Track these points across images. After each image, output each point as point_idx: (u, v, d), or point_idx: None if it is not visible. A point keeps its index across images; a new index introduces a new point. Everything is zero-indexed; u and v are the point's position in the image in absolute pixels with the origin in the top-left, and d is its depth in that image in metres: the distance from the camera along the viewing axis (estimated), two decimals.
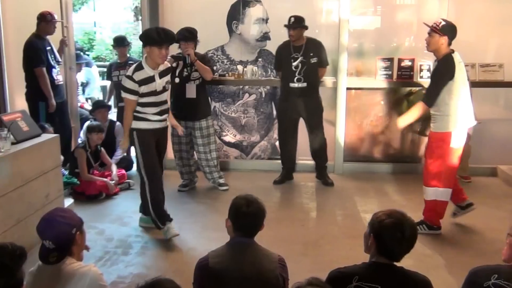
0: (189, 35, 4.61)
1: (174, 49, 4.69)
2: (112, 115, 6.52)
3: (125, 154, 5.69)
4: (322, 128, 5.14)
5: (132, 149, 5.10)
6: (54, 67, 5.10)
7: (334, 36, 5.42)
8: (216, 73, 5.35)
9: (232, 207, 2.24)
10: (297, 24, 4.81)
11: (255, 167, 5.73)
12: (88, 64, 7.50)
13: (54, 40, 5.25)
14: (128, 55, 5.98)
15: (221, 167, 5.18)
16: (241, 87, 5.73)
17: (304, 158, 5.45)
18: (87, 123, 5.28)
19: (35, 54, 4.91)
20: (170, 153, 4.99)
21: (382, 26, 5.69)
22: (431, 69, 3.88)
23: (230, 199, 2.30)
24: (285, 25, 4.86)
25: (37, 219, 2.21)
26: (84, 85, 7.31)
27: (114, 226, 4.17)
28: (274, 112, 5.68)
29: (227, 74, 5.59)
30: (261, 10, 5.60)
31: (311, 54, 4.90)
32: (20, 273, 1.81)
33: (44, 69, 4.93)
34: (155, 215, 3.85)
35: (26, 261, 1.85)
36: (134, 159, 5.51)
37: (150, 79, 3.65)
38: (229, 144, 5.87)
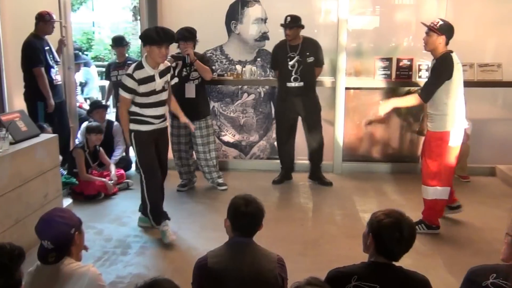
0: (188, 35, 4.60)
1: (174, 49, 4.69)
2: (111, 115, 6.52)
3: (124, 154, 5.69)
4: (320, 127, 5.14)
5: (131, 149, 5.10)
6: (53, 67, 5.09)
7: (332, 36, 5.42)
8: (215, 73, 5.35)
9: (231, 207, 2.24)
10: (293, 23, 4.81)
11: (254, 167, 5.73)
12: (86, 64, 7.50)
13: (52, 40, 5.24)
14: (126, 55, 5.98)
15: (220, 167, 5.18)
16: (240, 87, 5.73)
17: (302, 158, 5.45)
18: (84, 124, 5.27)
19: (34, 54, 4.90)
20: (169, 153, 4.98)
21: (381, 26, 5.70)
22: (429, 68, 3.88)
23: (229, 199, 2.30)
24: (281, 24, 4.86)
25: (35, 219, 2.21)
26: (83, 85, 7.31)
27: (113, 226, 4.17)
28: (273, 112, 5.68)
29: (226, 74, 5.59)
30: (259, 10, 5.60)
31: (308, 53, 4.90)
32: (18, 273, 1.81)
33: (43, 69, 4.93)
34: (151, 214, 3.86)
35: (25, 261, 1.84)
36: (133, 160, 5.55)
37: (150, 79, 3.65)
38: (228, 144, 5.87)
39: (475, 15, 5.45)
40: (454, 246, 3.78)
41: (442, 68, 3.70)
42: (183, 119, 4.07)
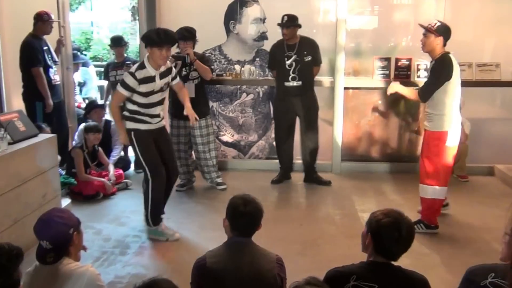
0: (188, 35, 4.61)
1: (173, 48, 4.68)
2: (109, 114, 6.50)
3: (122, 154, 5.68)
4: (317, 127, 5.14)
5: (130, 149, 5.10)
6: (51, 67, 5.09)
7: (331, 35, 5.42)
8: (213, 73, 5.35)
9: (230, 206, 2.24)
10: (290, 22, 4.81)
11: (253, 166, 5.73)
12: (85, 64, 7.50)
13: (51, 40, 5.24)
14: (125, 55, 5.98)
15: (219, 167, 5.18)
16: (238, 86, 5.72)
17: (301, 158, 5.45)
18: (82, 125, 5.26)
19: (32, 54, 4.90)
20: None
21: (379, 26, 5.70)
22: (428, 69, 3.90)
23: (228, 199, 2.30)
24: (279, 24, 4.86)
25: (34, 219, 2.20)
26: (81, 85, 7.30)
27: (111, 226, 4.17)
28: (272, 112, 5.68)
29: (224, 74, 5.59)
30: (258, 10, 5.60)
31: (305, 52, 4.90)
32: (17, 273, 1.81)
33: (41, 69, 4.92)
34: (151, 214, 3.85)
35: (24, 261, 1.84)
36: (132, 159, 5.54)
37: (151, 79, 3.65)
38: (227, 143, 5.87)
39: (473, 15, 5.46)
40: (452, 245, 3.78)
41: (442, 69, 3.72)
42: (187, 110, 3.96)
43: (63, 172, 4.94)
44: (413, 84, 5.28)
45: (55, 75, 5.18)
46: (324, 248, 3.73)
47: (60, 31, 5.52)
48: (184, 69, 4.72)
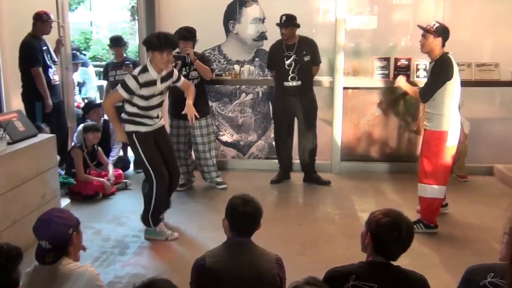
0: (188, 35, 4.61)
1: None
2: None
3: (121, 154, 5.68)
4: (315, 127, 5.13)
5: (129, 149, 5.09)
6: (50, 67, 5.09)
7: (330, 35, 5.42)
8: (213, 73, 5.35)
9: (229, 206, 2.24)
10: (288, 22, 4.81)
11: (252, 166, 5.73)
12: (84, 64, 7.49)
13: (50, 39, 5.24)
14: (124, 55, 5.97)
15: (219, 167, 5.18)
16: (238, 86, 5.72)
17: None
18: (81, 126, 5.26)
19: (31, 54, 4.89)
20: None
21: (379, 26, 5.70)
22: (428, 70, 3.91)
23: (228, 199, 2.29)
24: (277, 24, 4.86)
25: (33, 219, 2.20)
26: (81, 85, 7.29)
27: (111, 226, 4.16)
28: (271, 112, 5.68)
29: (224, 74, 5.59)
30: (257, 10, 5.60)
31: (304, 52, 4.90)
32: (16, 273, 1.81)
33: (40, 69, 4.92)
34: (152, 215, 3.84)
35: (23, 261, 1.84)
36: (131, 159, 5.54)
37: (152, 83, 3.64)
38: (226, 143, 5.87)
39: (472, 14, 5.46)
40: (452, 245, 3.78)
41: (442, 69, 3.74)
42: (187, 108, 3.92)
43: (63, 172, 4.94)
44: (412, 84, 5.30)
45: (55, 75, 5.17)
46: (323, 248, 3.73)
47: (59, 31, 5.52)
48: (184, 69, 4.72)
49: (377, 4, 5.69)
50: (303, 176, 5.27)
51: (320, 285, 1.68)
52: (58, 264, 2.10)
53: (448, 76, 3.72)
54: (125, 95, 3.62)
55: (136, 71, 3.68)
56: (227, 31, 5.66)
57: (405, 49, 5.49)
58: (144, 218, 3.89)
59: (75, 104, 6.19)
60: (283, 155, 5.28)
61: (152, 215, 3.84)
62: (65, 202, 4.29)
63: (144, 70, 3.63)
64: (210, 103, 5.62)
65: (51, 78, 5.09)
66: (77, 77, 6.90)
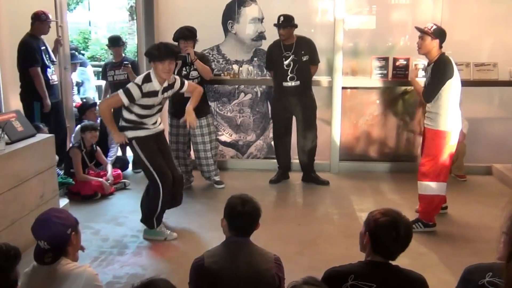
0: (189, 34, 4.61)
1: None
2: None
3: (120, 154, 5.68)
4: (315, 126, 5.14)
5: (128, 149, 5.08)
6: (49, 67, 5.08)
7: (329, 35, 5.43)
8: (213, 73, 5.35)
9: (227, 206, 2.24)
10: (286, 23, 4.80)
11: (251, 166, 5.73)
12: (83, 64, 7.48)
13: (48, 39, 5.23)
14: (123, 54, 5.96)
15: (217, 167, 5.17)
16: (236, 86, 5.72)
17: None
18: (78, 126, 5.25)
19: (30, 54, 4.89)
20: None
21: (377, 26, 5.70)
22: (427, 71, 3.93)
23: (227, 199, 2.29)
24: (275, 24, 4.85)
25: (32, 219, 2.20)
26: (79, 85, 7.28)
27: (109, 226, 4.16)
28: (270, 112, 5.67)
29: (222, 74, 5.58)
30: (256, 10, 5.60)
31: (302, 52, 4.90)
32: (14, 273, 1.81)
33: (39, 69, 4.92)
34: (157, 218, 3.83)
35: (21, 261, 1.84)
36: (130, 159, 5.54)
37: (154, 93, 3.64)
38: (225, 143, 5.87)
39: (470, 14, 5.46)
40: (451, 245, 3.79)
41: (443, 69, 3.77)
42: (187, 114, 3.92)
43: (61, 172, 4.94)
44: (410, 84, 5.30)
45: (53, 75, 5.17)
46: (322, 248, 3.73)
47: (58, 31, 5.51)
48: (184, 69, 4.72)
49: (376, 4, 5.69)
50: (302, 175, 5.27)
51: (319, 285, 1.69)
52: (57, 264, 2.10)
53: (449, 74, 3.76)
54: (126, 101, 3.59)
55: (139, 79, 3.65)
56: (226, 31, 5.66)
57: (404, 49, 5.50)
58: (148, 220, 3.87)
59: (74, 104, 6.18)
60: (282, 155, 5.28)
61: (158, 217, 3.84)
62: (63, 202, 4.29)
63: (148, 80, 3.62)
64: (209, 103, 5.62)
65: (50, 78, 5.08)
66: (75, 77, 6.89)
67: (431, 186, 3.92)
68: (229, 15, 5.62)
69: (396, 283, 1.93)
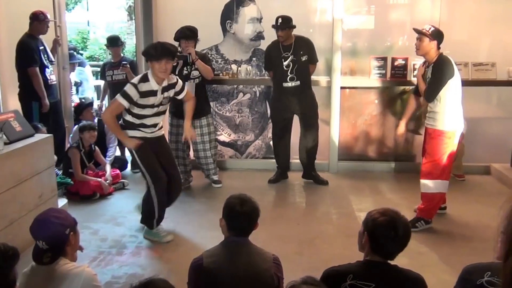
0: (190, 34, 4.61)
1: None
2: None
3: (119, 153, 5.67)
4: (317, 124, 5.13)
5: (127, 149, 5.08)
6: (47, 67, 5.07)
7: (328, 35, 5.43)
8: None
9: (226, 206, 2.24)
10: (285, 25, 4.79)
11: (249, 166, 5.73)
12: (81, 64, 7.47)
13: (47, 39, 5.22)
14: (122, 54, 5.96)
15: (216, 166, 5.18)
16: (235, 86, 5.72)
17: (298, 157, 5.45)
18: (76, 127, 5.24)
19: (28, 54, 4.88)
20: None
21: (376, 26, 5.71)
22: (427, 72, 3.94)
23: (226, 198, 2.29)
24: (273, 26, 4.84)
25: (30, 219, 2.20)
26: (78, 84, 7.28)
27: (108, 226, 4.16)
28: (269, 111, 5.68)
29: (221, 74, 5.58)
30: (255, 10, 5.60)
31: (301, 52, 4.89)
32: (12, 273, 1.80)
33: (37, 69, 4.91)
34: (157, 217, 3.81)
35: (20, 261, 1.84)
36: (129, 159, 5.53)
37: (152, 93, 3.61)
38: (223, 143, 5.87)
39: (469, 14, 5.47)
40: (449, 244, 3.79)
41: (444, 68, 3.80)
42: (185, 130, 3.99)
43: (60, 172, 4.93)
44: (409, 83, 5.32)
45: (51, 75, 5.16)
46: (321, 248, 3.74)
47: (56, 31, 5.51)
48: (185, 68, 4.72)
49: (374, 4, 5.69)
50: (302, 172, 5.27)
51: (318, 285, 1.69)
52: (55, 265, 2.10)
53: (450, 74, 3.79)
54: (125, 103, 3.58)
55: (136, 79, 3.65)
56: (224, 30, 5.66)
57: (402, 49, 5.50)
58: (147, 221, 3.86)
59: (73, 104, 6.17)
60: (281, 155, 5.28)
61: (157, 218, 3.82)
62: (62, 202, 4.28)
63: (145, 79, 3.61)
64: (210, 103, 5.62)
65: (48, 78, 5.07)
66: (74, 77, 6.88)
67: (433, 184, 3.94)
68: (228, 15, 5.61)
69: (394, 282, 1.93)
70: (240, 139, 5.87)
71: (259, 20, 5.60)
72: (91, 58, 11.85)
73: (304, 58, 4.91)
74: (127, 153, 5.37)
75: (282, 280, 2.18)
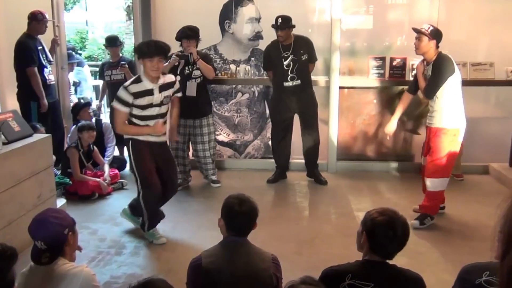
0: (191, 33, 4.61)
1: (176, 47, 4.70)
2: (106, 114, 6.48)
3: (117, 153, 5.67)
4: (317, 123, 5.14)
5: (126, 149, 5.08)
6: (46, 67, 5.07)
7: (326, 35, 5.43)
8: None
9: (225, 206, 2.24)
10: (284, 24, 4.79)
11: (248, 166, 5.73)
12: (80, 64, 7.47)
13: (45, 39, 5.22)
14: (120, 54, 5.96)
15: (215, 166, 5.18)
16: (234, 86, 5.72)
17: (297, 157, 5.46)
18: (74, 126, 5.24)
19: (27, 54, 4.87)
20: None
21: (374, 26, 5.71)
22: (427, 70, 3.95)
23: (224, 198, 2.29)
24: (273, 26, 4.84)
25: (29, 219, 2.19)
26: (76, 84, 7.27)
27: (107, 226, 4.15)
28: (267, 111, 5.68)
29: (220, 74, 5.57)
30: (253, 10, 5.60)
31: (301, 51, 4.90)
32: (11, 274, 1.80)
33: (36, 68, 4.90)
34: (149, 221, 3.78)
35: (18, 262, 1.84)
36: (128, 159, 5.53)
37: (147, 92, 3.57)
38: (222, 143, 5.86)
39: (467, 14, 5.48)
40: (448, 244, 3.80)
41: (444, 66, 3.82)
42: (170, 130, 3.97)
43: (58, 172, 4.93)
44: (408, 83, 5.30)
45: (50, 75, 5.15)
46: (320, 247, 3.74)
47: (54, 31, 5.50)
48: (187, 68, 4.72)
49: (373, 4, 5.70)
50: (306, 171, 5.30)
51: (317, 284, 1.69)
52: (54, 265, 2.10)
53: (450, 71, 3.81)
54: (124, 109, 3.56)
55: (128, 82, 3.64)
56: (223, 30, 5.66)
57: (401, 49, 5.51)
58: (142, 222, 3.85)
59: (71, 104, 6.16)
60: (280, 154, 5.28)
61: (149, 222, 3.79)
62: (61, 202, 4.28)
63: (137, 80, 3.59)
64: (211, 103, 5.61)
65: (47, 78, 5.07)
66: (72, 77, 6.88)
67: (438, 183, 3.98)
68: (226, 15, 5.61)
69: (393, 282, 1.93)
70: (238, 139, 5.86)
71: (258, 20, 5.60)
72: (89, 58, 11.83)
73: (304, 58, 4.91)
74: (126, 153, 5.37)
75: (281, 280, 2.18)
